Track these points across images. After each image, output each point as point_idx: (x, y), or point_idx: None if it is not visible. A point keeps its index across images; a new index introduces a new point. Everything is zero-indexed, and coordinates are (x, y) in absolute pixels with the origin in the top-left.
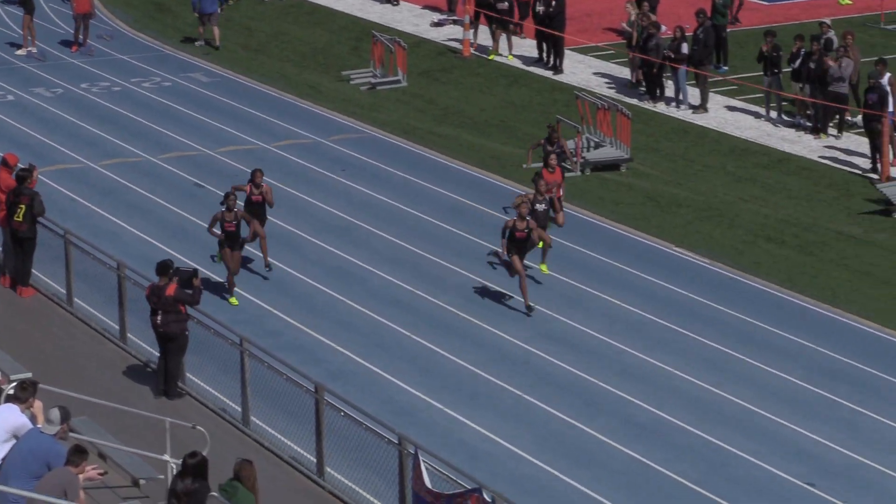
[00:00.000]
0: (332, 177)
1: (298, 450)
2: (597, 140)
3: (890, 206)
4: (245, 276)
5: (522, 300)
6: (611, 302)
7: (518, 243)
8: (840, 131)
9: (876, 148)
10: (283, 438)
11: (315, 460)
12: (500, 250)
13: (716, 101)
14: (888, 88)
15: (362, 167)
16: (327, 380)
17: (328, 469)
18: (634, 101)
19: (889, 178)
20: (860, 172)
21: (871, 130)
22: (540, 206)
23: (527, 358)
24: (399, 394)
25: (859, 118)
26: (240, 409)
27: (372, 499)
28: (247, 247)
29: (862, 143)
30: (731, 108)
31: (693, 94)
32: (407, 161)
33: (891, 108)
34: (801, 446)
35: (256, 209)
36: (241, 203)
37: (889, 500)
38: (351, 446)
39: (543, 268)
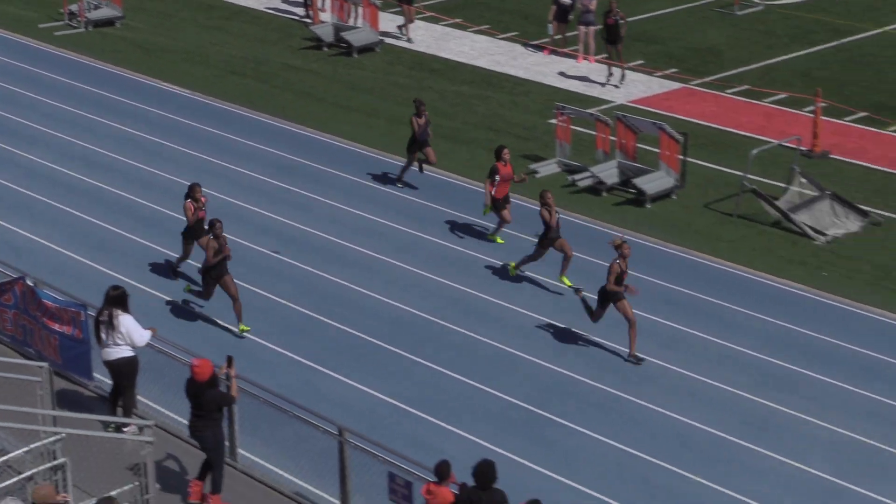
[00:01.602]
0: None
1: None
2: (96, 3)
3: (321, 42)
4: None
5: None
6: (127, 131)
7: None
8: None
9: (306, 5)
10: None
11: None
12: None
13: None
14: None
15: None
16: None
17: None
18: None
19: (319, 22)
20: (297, 18)
21: None
22: (558, 215)
23: (118, 199)
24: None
25: None
26: None
27: None
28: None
29: None
30: None
31: None
32: None
33: None
34: (268, 226)
35: (202, 226)
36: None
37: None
38: None
39: (565, 280)
